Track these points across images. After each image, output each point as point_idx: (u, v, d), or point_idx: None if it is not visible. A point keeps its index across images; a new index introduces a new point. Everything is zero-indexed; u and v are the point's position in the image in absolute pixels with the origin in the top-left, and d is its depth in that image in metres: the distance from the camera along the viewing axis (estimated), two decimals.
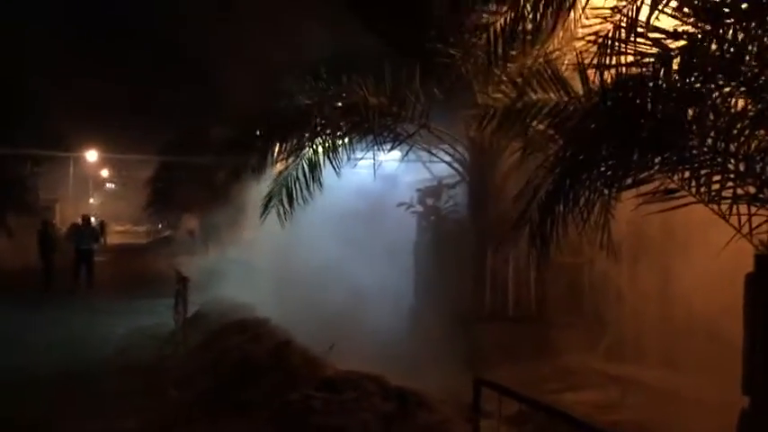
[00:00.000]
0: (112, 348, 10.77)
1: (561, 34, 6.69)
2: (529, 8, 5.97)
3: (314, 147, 8.77)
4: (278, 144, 8.99)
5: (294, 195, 8.78)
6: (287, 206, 8.80)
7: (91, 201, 56.95)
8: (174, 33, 23.50)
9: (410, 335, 9.26)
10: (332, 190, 9.35)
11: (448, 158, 9.13)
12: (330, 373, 6.70)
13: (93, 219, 43.31)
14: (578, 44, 5.38)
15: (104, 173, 59.43)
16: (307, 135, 8.74)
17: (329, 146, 8.67)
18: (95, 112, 31.56)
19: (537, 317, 9.00)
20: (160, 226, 40.97)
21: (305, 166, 8.78)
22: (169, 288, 12.52)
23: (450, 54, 7.63)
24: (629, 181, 4.54)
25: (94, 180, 57.67)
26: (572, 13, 5.92)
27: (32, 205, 27.00)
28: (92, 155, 43.71)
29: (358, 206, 12.16)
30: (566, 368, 8.21)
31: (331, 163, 8.69)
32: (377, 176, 9.89)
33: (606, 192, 4.68)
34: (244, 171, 9.54)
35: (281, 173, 9.01)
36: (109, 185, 64.26)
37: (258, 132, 9.45)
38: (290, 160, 8.92)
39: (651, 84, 4.22)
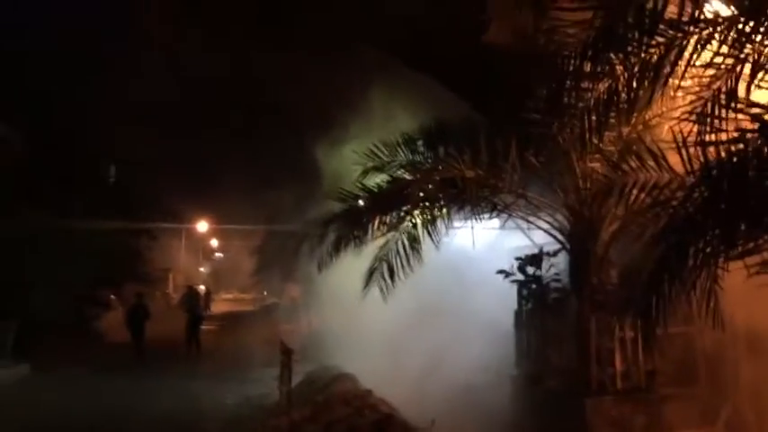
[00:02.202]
0: (221, 419, 11.13)
1: (660, 101, 6.62)
2: (624, 79, 5.97)
3: (413, 220, 8.90)
4: (378, 217, 9.14)
5: (395, 270, 8.90)
6: (388, 280, 8.92)
7: (201, 269, 59.45)
8: (280, 108, 24.62)
9: (513, 408, 9.06)
10: (431, 259, 9.41)
11: (547, 226, 9.02)
12: None
13: (202, 287, 45.28)
14: (675, 117, 5.33)
15: (214, 242, 61.85)
16: (406, 209, 8.88)
17: (428, 218, 8.78)
18: (206, 185, 33.13)
19: (647, 389, 8.62)
20: (265, 293, 42.21)
21: (404, 240, 8.90)
22: (274, 356, 12.84)
23: (547, 124, 7.59)
24: (737, 252, 4.44)
25: (204, 250, 60.27)
26: (670, 81, 5.87)
27: (148, 276, 28.35)
28: (202, 226, 45.86)
29: (457, 275, 12.18)
30: None
31: (429, 235, 8.78)
32: (475, 244, 9.88)
33: (712, 263, 4.58)
34: (346, 243, 9.70)
35: (381, 247, 9.15)
36: (218, 254, 66.76)
37: (362, 204, 9.62)
38: (390, 234, 9.06)
39: (755, 157, 4.14)
